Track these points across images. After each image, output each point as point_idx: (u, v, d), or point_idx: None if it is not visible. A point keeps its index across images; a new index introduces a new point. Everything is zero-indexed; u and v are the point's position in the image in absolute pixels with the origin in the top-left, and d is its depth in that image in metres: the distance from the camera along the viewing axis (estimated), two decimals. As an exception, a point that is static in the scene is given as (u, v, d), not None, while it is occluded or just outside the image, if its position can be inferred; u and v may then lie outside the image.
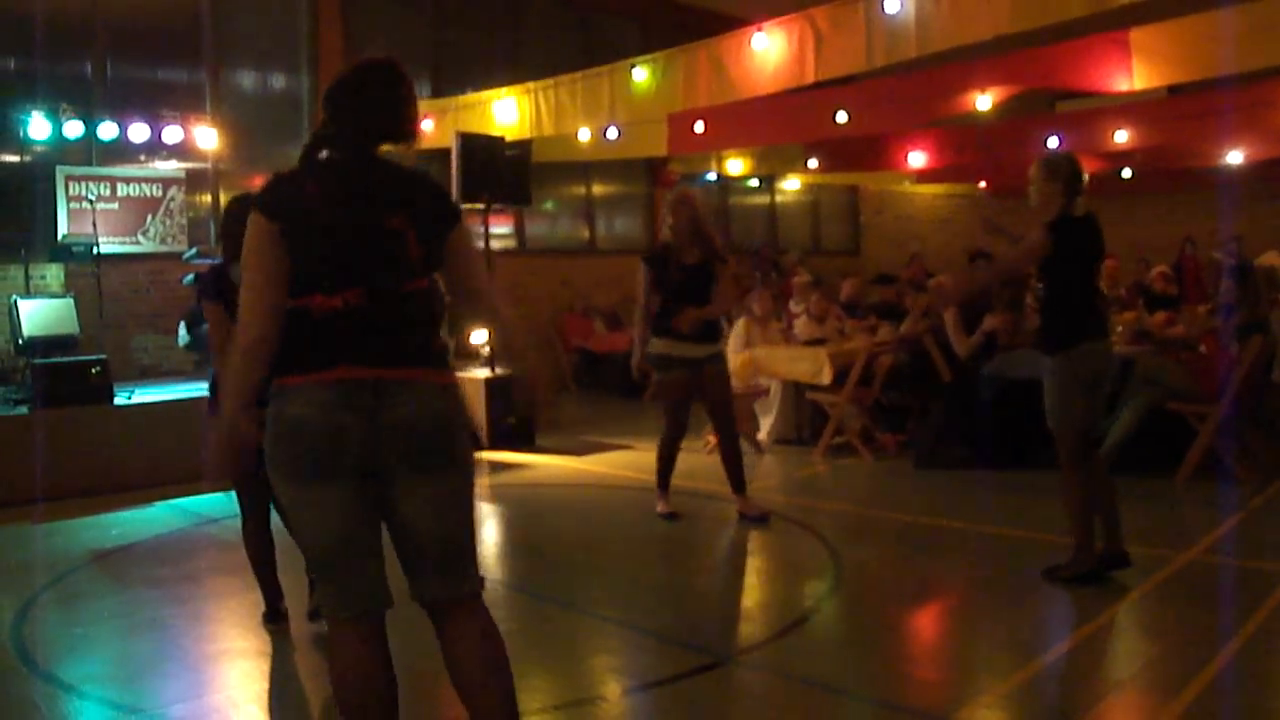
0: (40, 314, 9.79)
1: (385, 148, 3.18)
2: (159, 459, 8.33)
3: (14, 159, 11.11)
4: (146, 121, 11.50)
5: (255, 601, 5.55)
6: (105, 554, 6.72)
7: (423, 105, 12.70)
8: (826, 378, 9.03)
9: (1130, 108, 12.95)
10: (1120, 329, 9.28)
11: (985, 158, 15.98)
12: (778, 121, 12.47)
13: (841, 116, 11.75)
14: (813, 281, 11.69)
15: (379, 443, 2.93)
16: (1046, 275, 5.46)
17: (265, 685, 4.67)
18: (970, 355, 8.88)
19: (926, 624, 5.42)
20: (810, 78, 8.92)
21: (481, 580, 3.26)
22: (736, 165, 16.77)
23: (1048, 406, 5.45)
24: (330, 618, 3.12)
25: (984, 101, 11.37)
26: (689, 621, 5.23)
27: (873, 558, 6.39)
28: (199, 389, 8.97)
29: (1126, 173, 16.71)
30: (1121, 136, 13.25)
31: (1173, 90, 12.38)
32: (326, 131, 3.14)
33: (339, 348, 2.94)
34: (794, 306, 11.33)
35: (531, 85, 11.23)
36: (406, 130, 3.24)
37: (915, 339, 9.44)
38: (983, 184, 19.37)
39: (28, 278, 10.57)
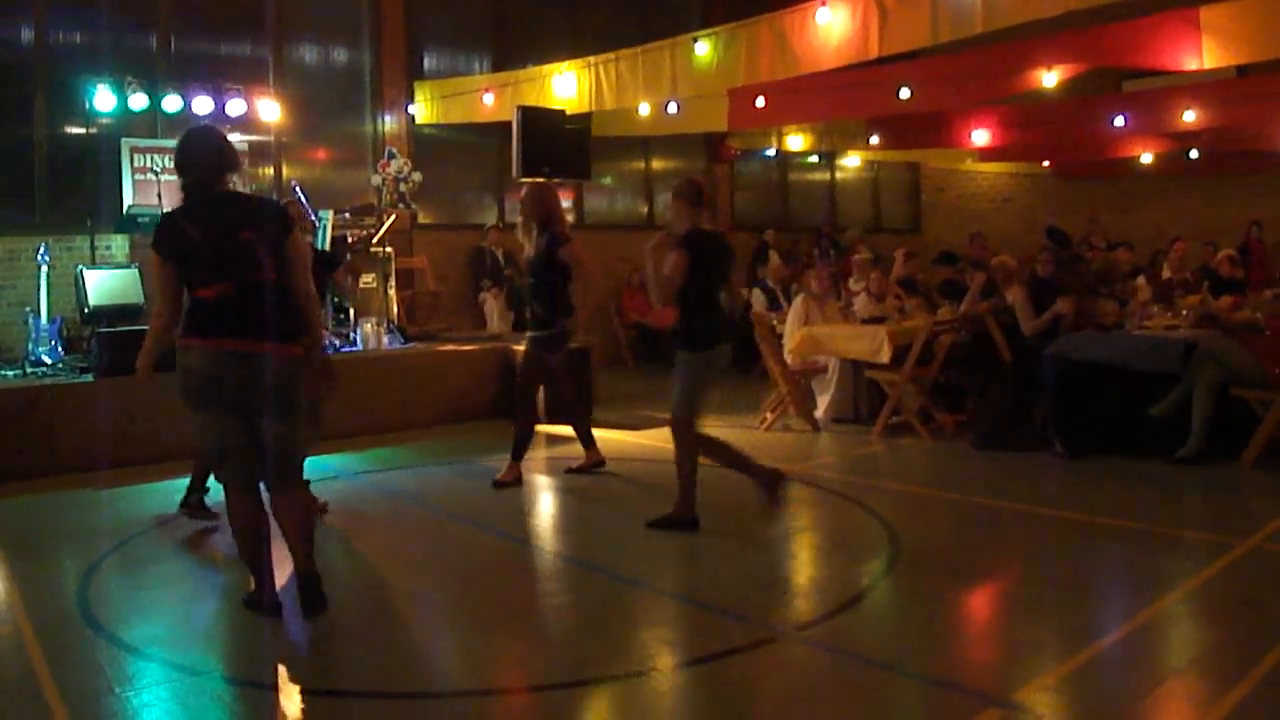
0: (105, 284, 9.95)
1: (229, 180, 4.68)
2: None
3: (80, 131, 11.32)
4: (210, 94, 11.65)
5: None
6: (168, 520, 6.82)
7: (483, 79, 12.87)
8: (885, 356, 8.95)
9: (1198, 87, 12.68)
10: (1185, 312, 9.14)
11: (1050, 136, 15.77)
12: (840, 97, 12.34)
13: (904, 92, 11.63)
14: (872, 259, 11.60)
15: (244, 393, 4.53)
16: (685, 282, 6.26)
17: (323, 650, 4.72)
18: (1035, 335, 8.77)
19: (983, 605, 5.37)
20: (874, 53, 8.83)
21: (307, 483, 5.09)
22: (797, 141, 16.65)
23: (675, 394, 6.46)
24: (227, 488, 4.75)
25: (1050, 79, 11.20)
26: (744, 596, 5.21)
27: (930, 537, 6.34)
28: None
29: (1194, 153, 16.40)
30: (1189, 116, 12.99)
31: (1241, 70, 12.13)
32: (185, 183, 4.64)
33: (219, 324, 4.49)
34: (853, 284, 11.25)
35: (592, 59, 11.20)
36: (230, 166, 4.71)
37: (977, 318, 9.34)
38: (1046, 163, 19.10)
39: (93, 248, 10.75)
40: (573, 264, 7.41)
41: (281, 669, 4.45)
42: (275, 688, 4.24)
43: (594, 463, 7.97)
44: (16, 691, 4.27)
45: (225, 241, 4.51)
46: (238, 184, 5.56)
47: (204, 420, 4.59)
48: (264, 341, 4.51)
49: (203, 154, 4.65)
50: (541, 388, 8.26)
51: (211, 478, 6.34)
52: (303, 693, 4.22)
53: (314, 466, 7.08)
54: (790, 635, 4.64)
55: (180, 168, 4.66)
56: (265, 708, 4.08)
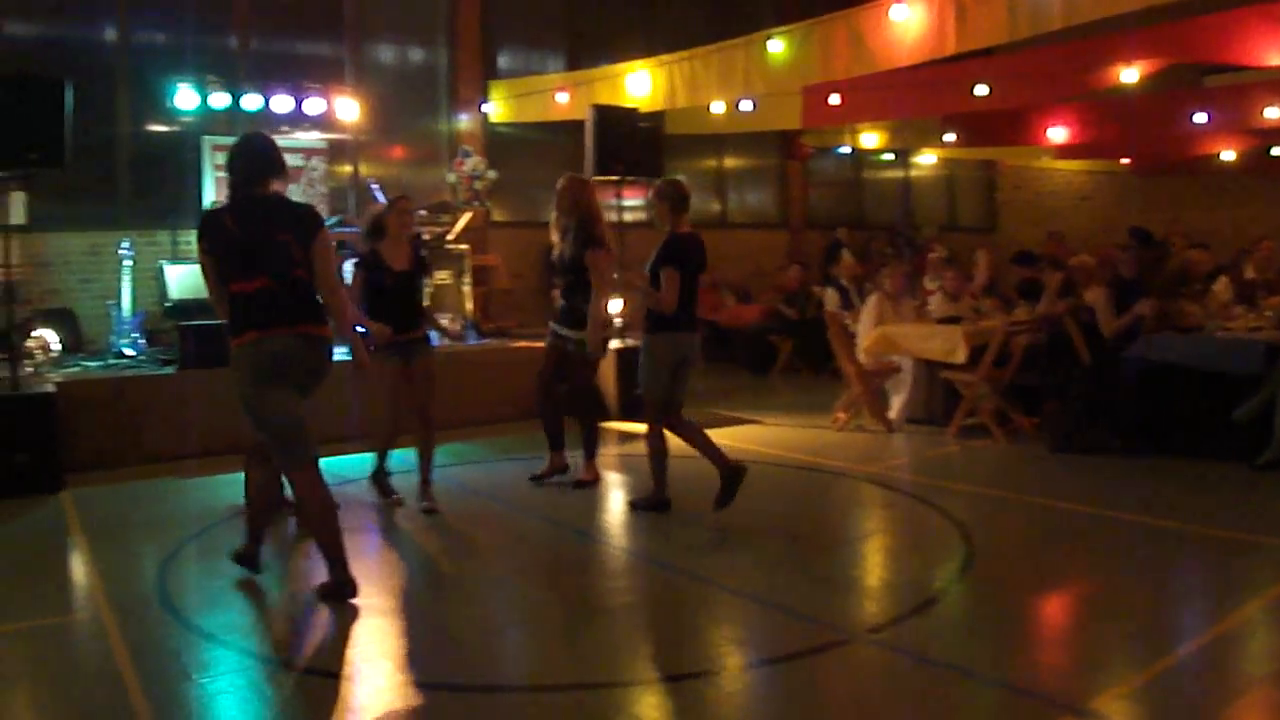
0: (186, 278, 10.14)
1: (273, 184, 5.09)
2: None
3: (162, 129, 11.56)
4: (289, 93, 11.80)
5: (388, 560, 5.73)
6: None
7: (558, 78, 12.92)
8: (961, 356, 8.85)
9: (1282, 82, 12.40)
10: (1269, 313, 8.94)
11: (1129, 133, 15.50)
12: (915, 94, 12.25)
13: (981, 89, 11.50)
14: (947, 258, 11.48)
15: (307, 373, 4.99)
16: (654, 276, 6.51)
17: (395, 642, 4.78)
18: (1114, 337, 8.63)
19: (1059, 610, 5.30)
20: (950, 49, 8.73)
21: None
22: (871, 139, 16.53)
23: (640, 376, 6.70)
24: (304, 467, 5.01)
25: (1130, 74, 11.02)
26: (816, 597, 5.19)
27: (1004, 541, 6.27)
28: (339, 353, 9.22)
29: (1276, 150, 16.02)
30: (1272, 113, 12.70)
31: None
32: (232, 183, 5.07)
33: (268, 316, 4.85)
34: (928, 283, 11.14)
35: (666, 57, 11.21)
36: (274, 171, 5.10)
37: (1055, 318, 9.20)
38: (1126, 160, 18.78)
39: (174, 243, 10.96)
40: (592, 273, 7.09)
41: (354, 658, 4.52)
42: (348, 677, 4.30)
43: (556, 469, 7.69)
44: (96, 676, 4.38)
45: (262, 240, 4.89)
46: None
47: (276, 398, 4.89)
48: (311, 325, 4.97)
49: (249, 158, 5.07)
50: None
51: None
52: (375, 682, 4.27)
53: (389, 460, 7.17)
54: (862, 638, 4.62)
55: (229, 169, 5.09)
56: (338, 696, 4.13)
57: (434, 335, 7.29)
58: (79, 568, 6.08)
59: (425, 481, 6.95)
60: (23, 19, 11.23)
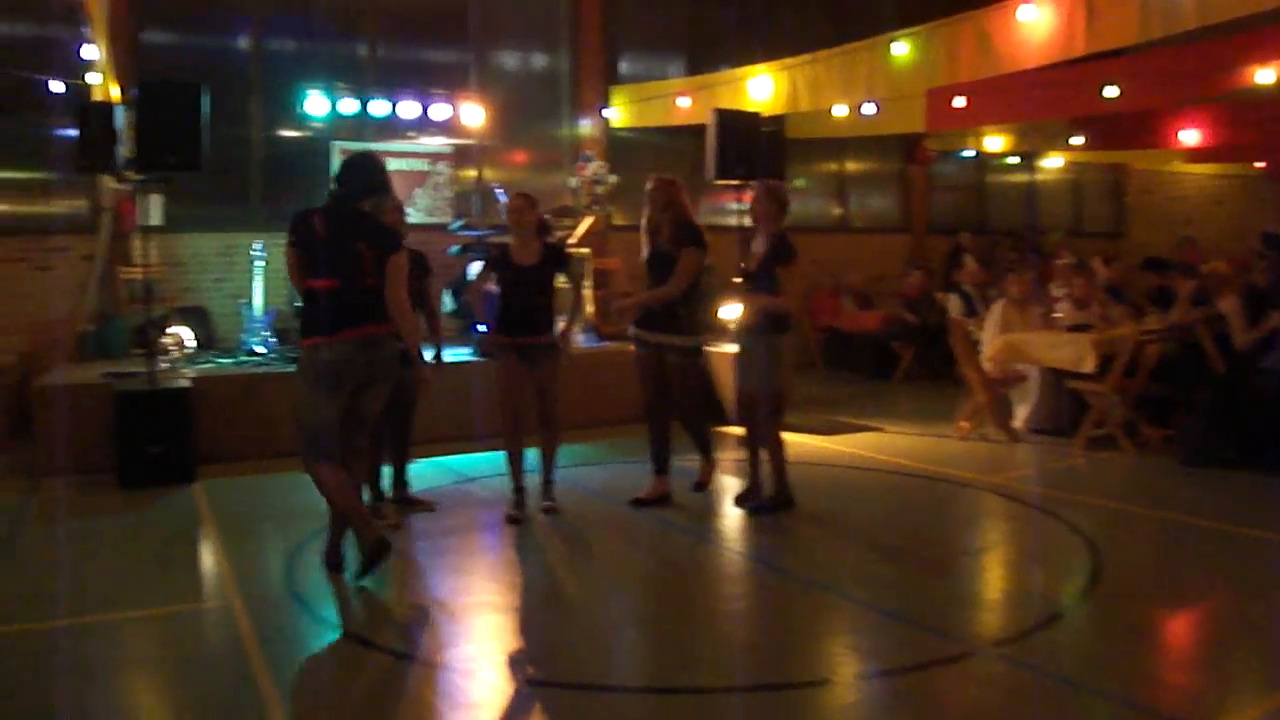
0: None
1: (368, 202, 5.60)
2: (425, 418, 8.67)
3: (293, 134, 11.93)
4: (416, 99, 12.05)
5: (508, 559, 5.82)
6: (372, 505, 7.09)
7: (679, 82, 12.95)
8: (1089, 365, 8.62)
9: None
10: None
11: (1265, 136, 14.95)
12: (1042, 96, 11.97)
13: (1110, 91, 11.21)
14: (1076, 264, 11.22)
15: (365, 368, 5.35)
16: (770, 276, 6.85)
17: (511, 639, 4.84)
18: (1248, 348, 8.34)
19: (1187, 629, 5.15)
20: (1080, 50, 8.52)
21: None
22: (996, 142, 16.21)
23: (757, 374, 6.88)
24: (323, 460, 5.36)
25: (1266, 75, 10.62)
26: (939, 608, 5.12)
27: (1133, 556, 6.10)
28: (461, 354, 9.34)
29: None
30: None
31: None
32: (333, 191, 5.65)
33: (335, 319, 5.31)
34: (1055, 290, 10.89)
35: (788, 61, 11.14)
36: (373, 190, 5.65)
37: (1187, 327, 8.92)
38: (1261, 164, 18.14)
39: (305, 245, 11.22)
40: (678, 267, 6.99)
41: (472, 653, 4.59)
42: (466, 671, 4.36)
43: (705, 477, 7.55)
44: (226, 663, 4.53)
45: (340, 245, 5.41)
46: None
47: (316, 402, 5.36)
48: (372, 325, 5.40)
49: (361, 173, 5.68)
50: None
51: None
52: (488, 677, 4.33)
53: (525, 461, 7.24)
54: (986, 651, 4.53)
55: (339, 177, 5.70)
56: (458, 691, 4.19)
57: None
58: (210, 557, 6.28)
59: (547, 481, 7.01)
60: (161, 28, 11.64)
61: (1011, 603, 5.39)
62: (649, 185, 7.25)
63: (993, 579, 5.89)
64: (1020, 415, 9.62)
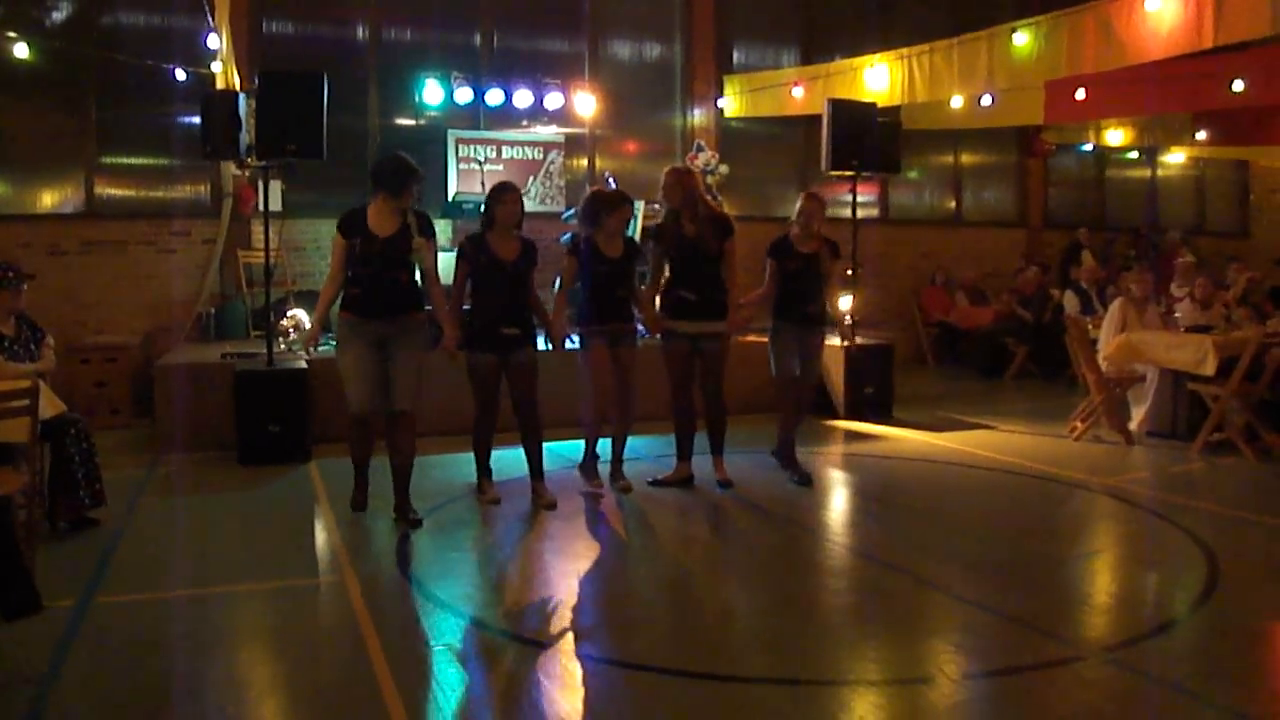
0: (430, 265, 10.54)
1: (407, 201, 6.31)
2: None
3: (409, 122, 12.17)
4: (530, 88, 12.19)
5: (607, 539, 5.88)
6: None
7: (793, 72, 12.89)
8: (1210, 368, 8.38)
9: None
10: None
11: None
12: (1166, 89, 11.67)
13: (1238, 84, 10.88)
14: (1197, 264, 10.91)
15: (382, 339, 6.26)
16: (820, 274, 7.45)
17: (617, 620, 4.88)
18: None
19: (1310, 641, 4.99)
20: (1208, 42, 8.28)
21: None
22: (1116, 135, 15.83)
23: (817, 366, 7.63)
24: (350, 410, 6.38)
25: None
26: (1048, 610, 5.02)
27: (1251, 565, 5.92)
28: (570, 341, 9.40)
29: None
30: None
31: None
32: (377, 190, 6.28)
33: (374, 302, 6.21)
34: (1176, 290, 10.62)
35: (905, 51, 11.00)
36: (406, 193, 6.32)
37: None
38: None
39: (419, 231, 11.41)
40: (725, 261, 7.23)
41: (575, 635, 4.65)
42: (579, 655, 4.41)
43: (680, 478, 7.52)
44: (340, 638, 4.64)
45: (385, 239, 6.20)
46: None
47: (348, 361, 6.32)
48: (405, 312, 6.31)
49: (396, 173, 6.28)
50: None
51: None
52: (602, 661, 4.38)
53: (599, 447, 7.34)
54: (1096, 655, 4.44)
55: (375, 179, 6.34)
56: (562, 672, 4.23)
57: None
58: (324, 534, 6.45)
59: (618, 460, 7.27)
60: (282, 18, 11.95)
61: (1123, 607, 5.27)
62: (665, 177, 7.36)
63: (1104, 583, 5.76)
64: (1136, 417, 9.39)
